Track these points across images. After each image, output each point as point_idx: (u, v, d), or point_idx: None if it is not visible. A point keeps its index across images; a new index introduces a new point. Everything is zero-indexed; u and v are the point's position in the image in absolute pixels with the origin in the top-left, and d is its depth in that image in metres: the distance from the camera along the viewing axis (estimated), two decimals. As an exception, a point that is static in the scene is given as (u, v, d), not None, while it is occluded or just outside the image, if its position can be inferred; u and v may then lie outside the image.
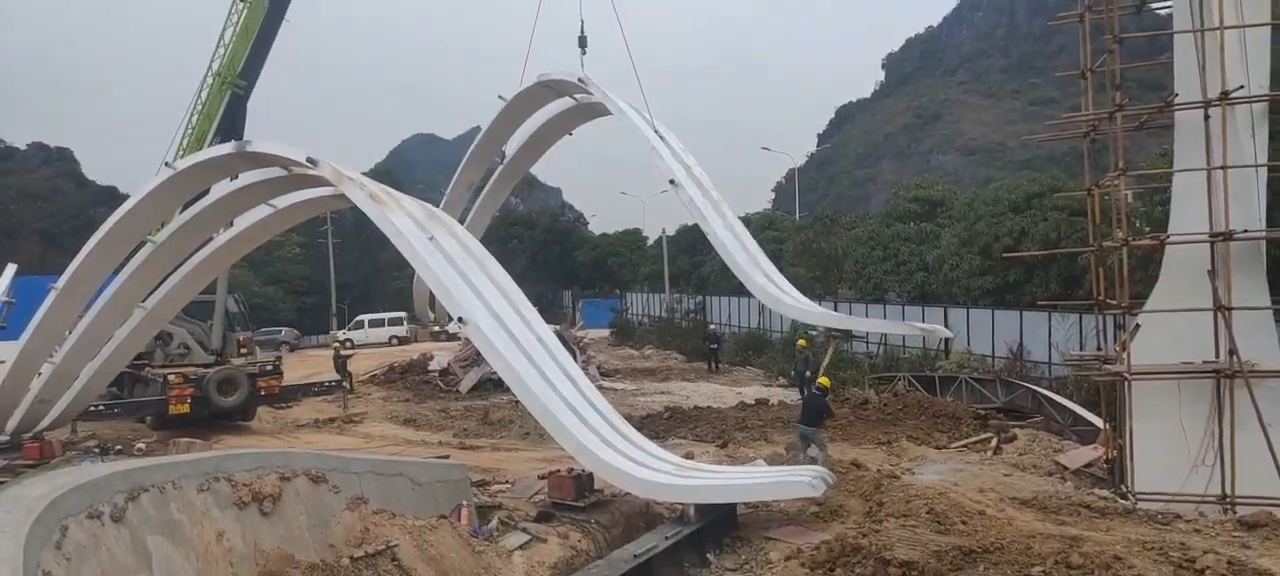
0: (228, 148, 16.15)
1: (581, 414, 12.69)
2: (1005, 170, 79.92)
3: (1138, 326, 13.49)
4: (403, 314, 52.66)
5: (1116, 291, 13.97)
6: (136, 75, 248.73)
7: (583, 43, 24.91)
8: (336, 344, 30.42)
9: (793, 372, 27.33)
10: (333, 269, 60.95)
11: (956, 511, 11.85)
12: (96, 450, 17.84)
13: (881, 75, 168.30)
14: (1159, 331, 13.11)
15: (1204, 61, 12.77)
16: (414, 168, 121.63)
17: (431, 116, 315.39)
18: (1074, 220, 25.96)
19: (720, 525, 11.93)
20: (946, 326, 25.53)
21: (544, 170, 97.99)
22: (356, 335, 48.42)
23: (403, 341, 49.41)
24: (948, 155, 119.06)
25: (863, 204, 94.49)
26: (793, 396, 25.01)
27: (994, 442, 17.04)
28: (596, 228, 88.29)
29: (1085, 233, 17.52)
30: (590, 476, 12.58)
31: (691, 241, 57.81)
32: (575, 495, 12.46)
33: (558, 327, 24.54)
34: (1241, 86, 12.62)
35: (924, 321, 27.56)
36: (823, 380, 16.76)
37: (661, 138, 22.35)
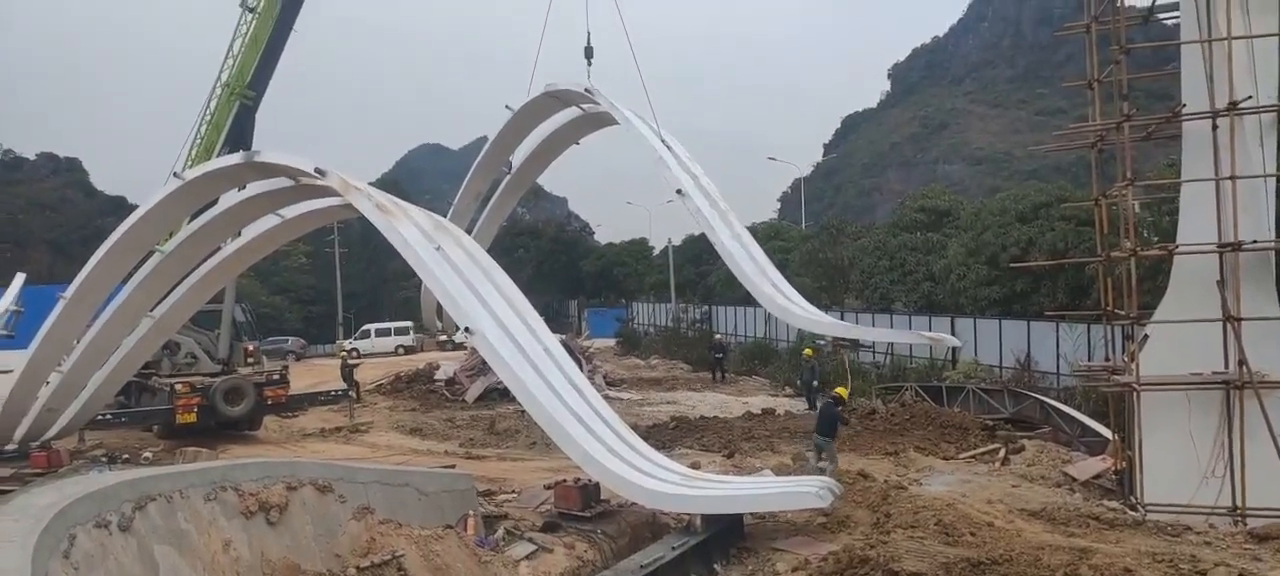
0: (236, 158, 16.21)
1: (588, 424, 12.68)
2: (1012, 180, 79.76)
3: (1146, 337, 13.42)
4: (409, 323, 52.75)
5: (1125, 302, 13.93)
6: (145, 86, 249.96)
7: (589, 53, 24.94)
8: (344, 354, 30.48)
9: (798, 382, 27.30)
10: (339, 278, 61.05)
11: (965, 522, 11.81)
12: (104, 459, 17.87)
13: (887, 85, 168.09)
14: (1168, 342, 13.05)
15: (1212, 71, 12.75)
16: (421, 177, 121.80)
17: (438, 126, 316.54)
18: (1081, 230, 25.86)
19: (727, 536, 11.90)
20: (953, 337, 25.44)
21: (550, 179, 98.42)
22: (363, 344, 48.52)
23: (409, 351, 49.48)
24: (954, 165, 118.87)
25: (869, 214, 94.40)
26: (799, 406, 24.97)
27: (1002, 453, 16.96)
28: (602, 237, 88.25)
29: (1093, 243, 17.47)
30: (597, 486, 12.57)
31: (697, 251, 57.79)
32: (581, 505, 12.45)
33: (564, 337, 24.54)
34: (1249, 96, 12.59)
35: (930, 331, 27.47)
36: (840, 390, 16.75)
37: (668, 147, 22.35)
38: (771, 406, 24.68)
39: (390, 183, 70.20)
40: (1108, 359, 16.04)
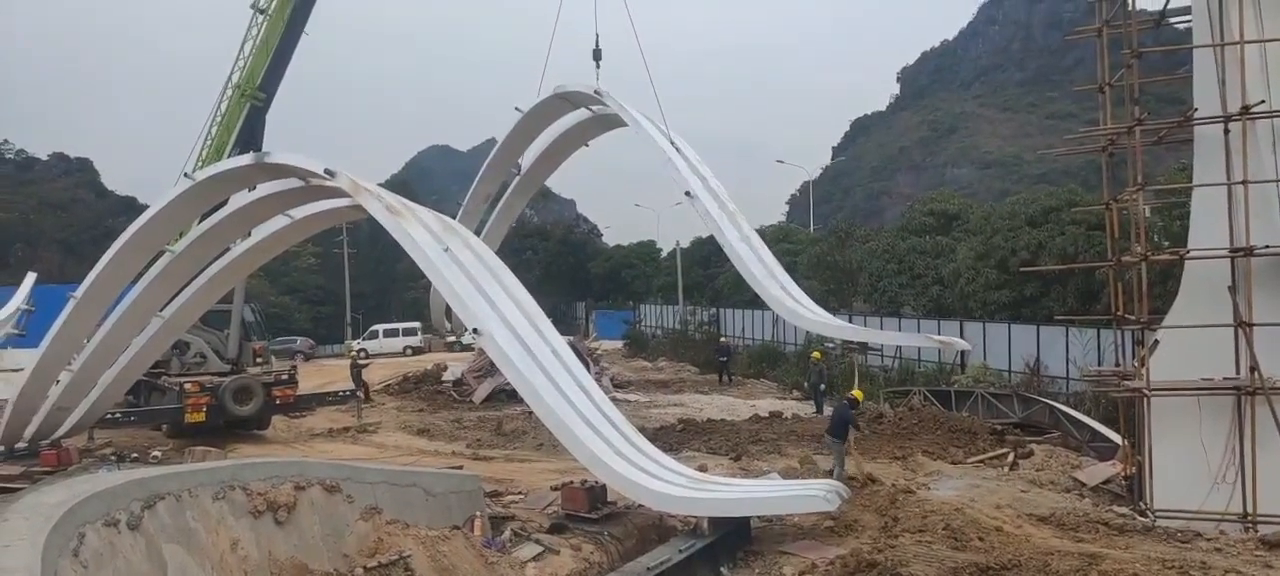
0: (246, 159, 16.27)
1: (595, 426, 12.68)
2: (1021, 184, 79.54)
3: (1157, 342, 13.36)
4: (417, 324, 52.84)
5: (1135, 306, 13.86)
6: (156, 88, 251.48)
7: (598, 55, 24.97)
8: (354, 354, 30.55)
9: (806, 385, 27.23)
10: (347, 279, 61.26)
11: (973, 527, 11.76)
12: (113, 458, 17.95)
13: (897, 88, 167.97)
14: (1178, 347, 12.98)
15: (1224, 75, 12.69)
16: (430, 178, 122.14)
17: (447, 128, 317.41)
18: (1092, 234, 25.79)
19: (734, 539, 11.88)
20: (963, 340, 25.37)
21: (558, 182, 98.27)
22: (371, 345, 48.66)
23: (417, 351, 49.57)
24: (963, 168, 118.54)
25: (878, 217, 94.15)
26: (807, 409, 24.92)
27: (1011, 458, 16.90)
28: (610, 239, 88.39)
29: (1103, 247, 17.43)
30: (603, 488, 12.56)
31: (705, 253, 57.77)
32: (588, 507, 12.45)
33: (571, 339, 24.55)
34: (1262, 101, 12.52)
35: (939, 335, 27.39)
36: (856, 392, 16.74)
37: (677, 149, 22.36)
38: (779, 409, 24.63)
39: (399, 184, 70.40)
40: (1118, 364, 16.00)
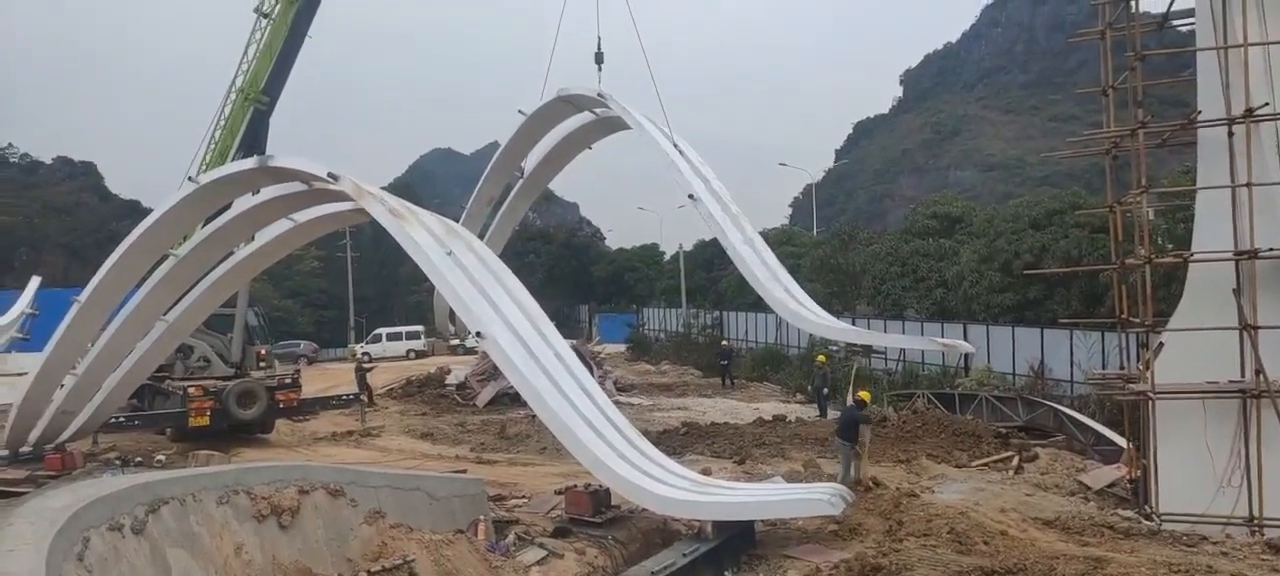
0: (250, 162, 16.28)
1: (598, 429, 12.67)
2: (1025, 186, 79.49)
3: (1161, 345, 13.33)
4: (420, 327, 52.93)
5: (1140, 309, 13.83)
6: (160, 91, 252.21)
7: (599, 58, 25.03)
8: (359, 358, 30.56)
9: (810, 388, 27.21)
10: (351, 282, 61.35)
11: (978, 531, 11.74)
12: (117, 462, 17.96)
13: (899, 91, 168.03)
14: (1183, 350, 12.94)
15: (1228, 78, 12.66)
16: (433, 182, 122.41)
17: (450, 131, 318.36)
18: (1095, 237, 25.74)
19: (738, 542, 11.87)
20: (967, 343, 25.34)
21: (561, 185, 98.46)
22: (374, 348, 48.69)
23: (420, 355, 49.61)
24: (966, 171, 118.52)
25: (880, 220, 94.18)
26: (810, 413, 24.89)
27: (1015, 461, 16.87)
28: (613, 242, 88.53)
29: (1107, 250, 17.38)
30: (607, 492, 12.54)
31: (708, 256, 57.82)
32: (592, 511, 12.44)
33: (575, 342, 24.55)
34: (1266, 103, 12.49)
35: (943, 338, 27.36)
36: (862, 393, 16.72)
37: (680, 151, 22.37)
38: (782, 412, 24.60)
39: (402, 187, 70.51)
40: (1122, 367, 15.95)
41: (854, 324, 30.01)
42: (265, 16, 21.80)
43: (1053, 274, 25.40)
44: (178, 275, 17.12)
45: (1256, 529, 12.08)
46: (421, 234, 13.92)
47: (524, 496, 14.36)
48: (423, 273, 14.22)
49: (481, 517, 11.65)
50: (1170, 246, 20.26)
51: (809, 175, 72.00)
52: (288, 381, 22.70)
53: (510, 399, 25.67)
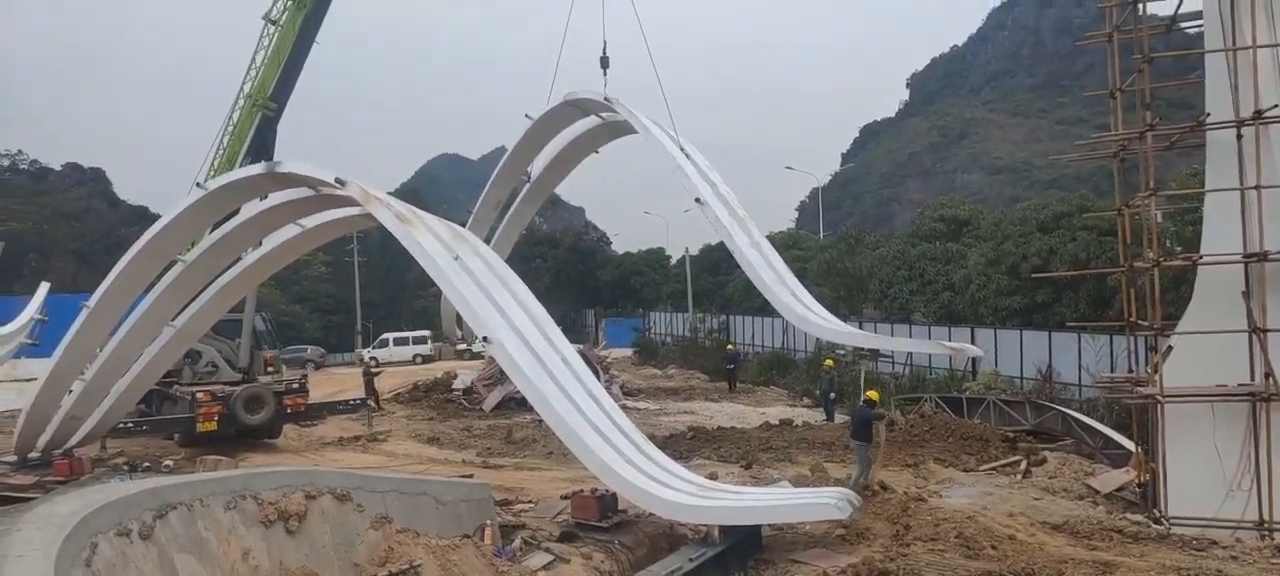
0: (257, 168, 16.34)
1: (605, 433, 12.66)
2: (1032, 189, 79.24)
3: (1170, 348, 13.27)
4: (427, 332, 52.98)
5: (1148, 312, 13.77)
6: (169, 98, 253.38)
7: (605, 63, 25.03)
8: (366, 363, 30.62)
9: (817, 392, 27.16)
10: (358, 287, 61.50)
11: (986, 535, 11.71)
12: (125, 467, 18.03)
13: (906, 94, 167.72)
14: (1192, 353, 12.89)
15: (1236, 80, 12.62)
16: (440, 186, 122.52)
17: (457, 136, 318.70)
18: (1103, 240, 25.71)
19: (745, 547, 11.84)
20: (974, 346, 25.27)
21: (567, 189, 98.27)
22: (381, 353, 48.78)
23: (427, 360, 49.68)
24: (973, 174, 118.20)
25: (887, 223, 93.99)
26: (817, 417, 24.85)
27: (1023, 465, 16.79)
28: (619, 247, 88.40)
29: (1115, 253, 17.33)
30: (614, 496, 12.53)
31: (714, 260, 57.79)
32: (599, 515, 12.42)
33: (581, 347, 24.54)
34: (1275, 105, 12.44)
35: (951, 342, 27.30)
36: (871, 393, 16.68)
37: (687, 155, 22.35)
38: (789, 417, 24.57)
39: (409, 192, 70.75)
40: (1131, 370, 15.87)
41: (861, 327, 29.95)
42: (274, 23, 21.91)
43: (1061, 277, 25.34)
44: (186, 281, 17.19)
45: (1266, 532, 12.01)
46: (428, 239, 13.94)
47: (530, 501, 14.36)
48: (430, 278, 14.25)
49: (488, 522, 11.65)
50: (1179, 249, 20.19)
51: (815, 179, 72.06)
52: (295, 386, 22.75)
53: (517, 403, 25.68)
